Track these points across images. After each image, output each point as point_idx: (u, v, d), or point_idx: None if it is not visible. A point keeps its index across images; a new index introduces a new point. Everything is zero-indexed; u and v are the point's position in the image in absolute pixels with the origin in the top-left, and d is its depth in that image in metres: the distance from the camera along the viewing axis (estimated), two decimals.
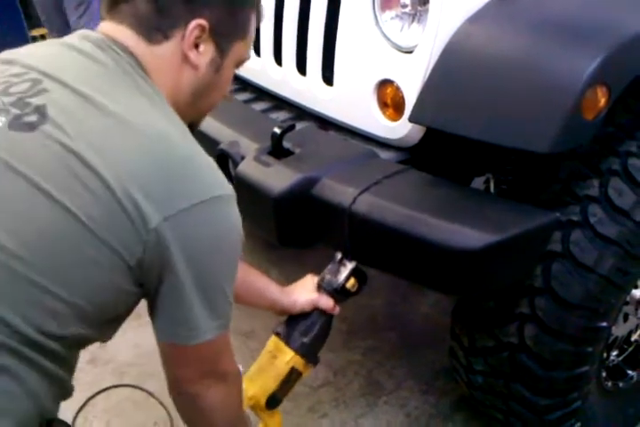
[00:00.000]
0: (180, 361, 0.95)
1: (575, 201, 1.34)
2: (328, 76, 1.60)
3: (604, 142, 1.38)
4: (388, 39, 1.43)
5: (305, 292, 1.36)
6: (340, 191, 1.34)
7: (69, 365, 0.92)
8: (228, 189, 0.87)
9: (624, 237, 1.31)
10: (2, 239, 0.77)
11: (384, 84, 1.46)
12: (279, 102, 1.79)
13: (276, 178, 1.37)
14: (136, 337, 1.98)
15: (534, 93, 1.22)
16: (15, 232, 0.77)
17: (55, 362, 0.86)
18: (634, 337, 1.70)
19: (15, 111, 0.82)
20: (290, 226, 1.42)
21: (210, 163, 0.88)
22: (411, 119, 1.38)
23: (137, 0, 0.90)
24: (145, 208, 0.79)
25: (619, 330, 1.60)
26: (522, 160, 1.51)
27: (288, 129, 1.43)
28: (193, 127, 0.99)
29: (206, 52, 0.94)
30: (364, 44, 1.47)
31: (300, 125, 1.59)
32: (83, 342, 0.92)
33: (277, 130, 1.42)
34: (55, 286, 0.79)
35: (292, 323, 1.37)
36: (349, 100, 1.55)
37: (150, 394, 1.93)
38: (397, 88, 1.44)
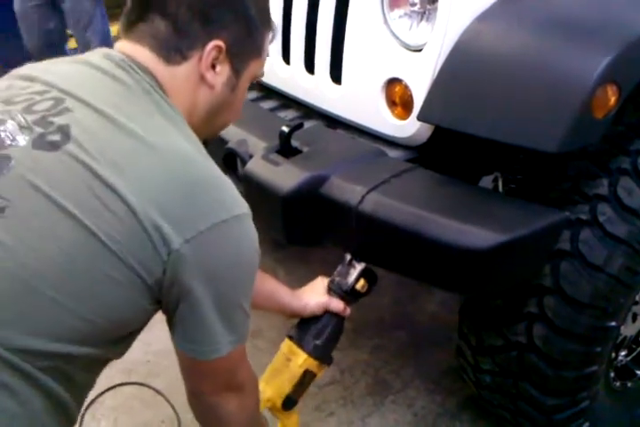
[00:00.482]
0: (198, 374, 0.97)
1: (584, 200, 1.33)
2: (336, 75, 1.59)
3: (613, 141, 1.37)
4: (397, 38, 1.43)
5: (315, 295, 1.37)
6: (347, 190, 1.34)
7: (78, 389, 0.90)
8: (244, 207, 0.88)
9: (633, 236, 1.30)
10: (25, 257, 0.77)
11: (392, 82, 1.46)
12: (287, 101, 1.79)
13: (285, 177, 1.37)
14: (145, 336, 1.97)
15: (544, 92, 1.21)
16: (38, 250, 0.78)
17: (63, 384, 0.85)
18: None
19: (39, 130, 0.82)
20: (298, 224, 1.42)
21: (226, 182, 0.88)
22: (419, 118, 1.38)
23: (155, 21, 0.91)
24: (166, 230, 0.80)
25: (627, 330, 1.60)
26: (530, 159, 1.50)
27: (296, 128, 1.43)
28: (206, 143, 1.00)
29: (222, 72, 0.96)
30: (373, 43, 1.47)
31: (308, 124, 1.59)
32: (95, 363, 0.91)
33: (285, 128, 1.42)
34: (76, 304, 0.80)
35: (304, 326, 1.38)
36: (357, 99, 1.55)
37: (158, 392, 1.93)
38: (406, 87, 1.43)
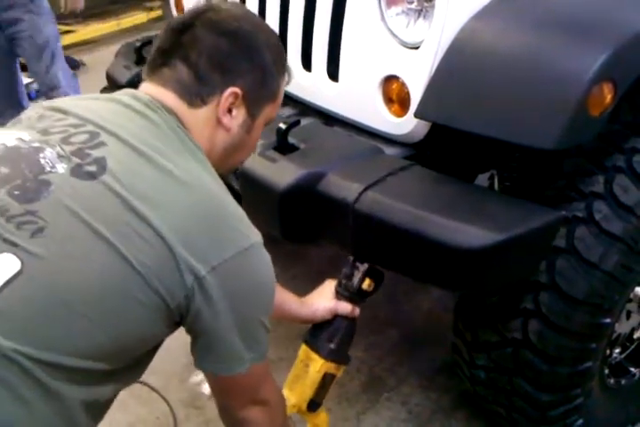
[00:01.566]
0: (224, 390, 1.03)
1: (580, 197, 1.34)
2: (333, 72, 1.60)
3: (609, 139, 1.38)
4: (394, 35, 1.43)
5: (323, 300, 1.39)
6: (344, 187, 1.34)
7: (93, 411, 0.91)
8: (258, 234, 0.95)
9: (629, 233, 1.32)
10: (61, 275, 0.81)
11: (389, 79, 1.47)
12: (284, 98, 1.78)
13: (282, 173, 1.38)
14: None
15: (540, 90, 1.22)
16: (73, 270, 0.82)
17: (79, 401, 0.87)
18: (636, 335, 1.71)
19: (76, 160, 0.87)
20: (294, 221, 1.42)
21: (242, 212, 0.95)
22: (416, 115, 1.39)
23: (179, 67, 0.98)
24: (193, 258, 0.85)
25: (622, 327, 1.61)
26: (526, 156, 1.51)
27: (293, 125, 1.44)
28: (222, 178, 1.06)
29: (238, 115, 1.02)
30: (370, 40, 1.47)
31: (304, 121, 1.59)
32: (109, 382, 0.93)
33: (282, 125, 1.42)
34: (104, 322, 0.84)
35: (317, 331, 1.40)
36: (354, 96, 1.55)
37: (153, 389, 1.94)
38: (403, 84, 1.44)
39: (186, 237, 0.86)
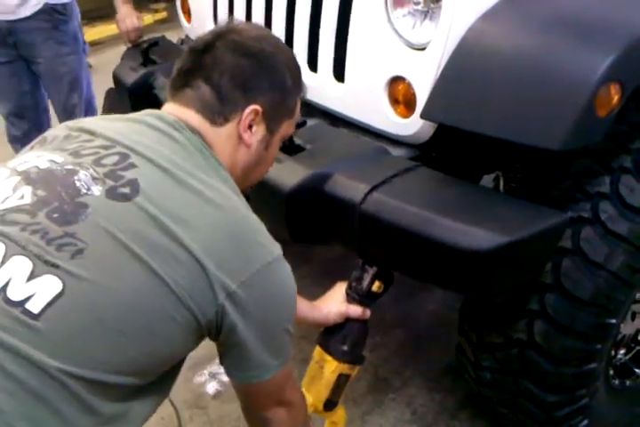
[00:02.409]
0: (250, 395, 1.08)
1: (586, 198, 1.34)
2: (339, 73, 1.60)
3: (615, 140, 1.38)
4: (401, 36, 1.44)
5: (334, 304, 1.41)
6: (350, 188, 1.34)
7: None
8: (279, 247, 0.98)
9: (634, 234, 1.31)
10: (99, 294, 0.83)
11: (395, 80, 1.47)
12: None
13: (288, 174, 1.38)
14: None
15: (547, 90, 1.22)
16: (111, 289, 0.84)
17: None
18: None
19: (110, 182, 0.90)
20: (301, 222, 1.42)
21: (263, 227, 0.99)
22: (422, 116, 1.39)
23: (202, 87, 1.02)
24: (223, 275, 0.89)
25: (627, 328, 1.61)
26: (532, 157, 1.51)
27: (299, 125, 1.45)
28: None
29: (258, 132, 1.06)
30: (376, 41, 1.48)
31: (310, 122, 1.60)
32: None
33: None
34: (139, 338, 0.86)
35: (330, 333, 1.42)
36: (360, 97, 1.56)
37: None
38: (409, 85, 1.44)
39: (216, 255, 0.89)
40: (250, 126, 1.04)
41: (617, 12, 1.28)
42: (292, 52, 1.14)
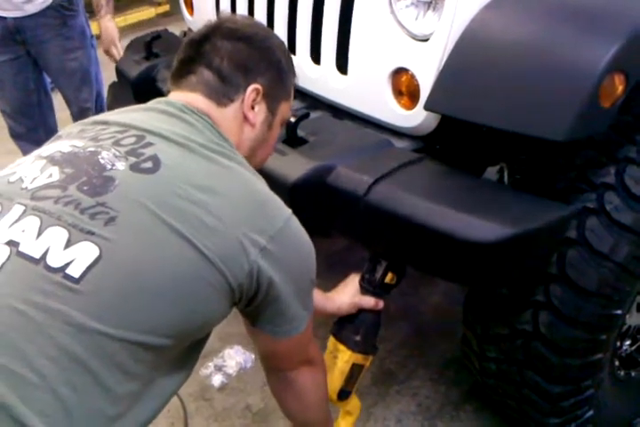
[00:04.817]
0: (279, 353, 1.13)
1: (591, 189, 1.34)
2: (342, 65, 1.60)
3: (620, 130, 1.38)
4: (404, 27, 1.43)
5: (347, 295, 1.44)
6: (354, 180, 1.34)
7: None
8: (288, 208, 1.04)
9: None
10: (136, 260, 0.87)
11: (399, 72, 1.46)
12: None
13: (292, 166, 1.38)
14: None
15: (551, 81, 1.21)
16: (147, 254, 0.87)
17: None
18: None
19: (133, 159, 0.94)
20: (305, 215, 1.41)
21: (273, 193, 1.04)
22: (426, 107, 1.39)
23: (204, 72, 1.08)
24: (253, 233, 0.93)
25: (632, 320, 1.60)
26: (537, 148, 1.51)
27: (302, 118, 1.44)
28: None
29: (260, 111, 1.12)
30: (379, 33, 1.47)
31: (314, 114, 1.59)
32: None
33: (292, 118, 1.42)
34: (178, 301, 0.89)
35: (343, 323, 1.44)
36: (364, 89, 1.55)
37: None
38: (412, 76, 1.44)
39: (244, 216, 0.94)
40: (252, 107, 1.09)
41: (621, 1, 1.28)
42: (281, 39, 1.20)
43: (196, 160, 0.96)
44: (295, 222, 1.02)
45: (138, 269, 0.86)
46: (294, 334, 1.07)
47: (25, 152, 2.67)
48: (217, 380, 2.01)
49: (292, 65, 1.19)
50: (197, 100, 1.07)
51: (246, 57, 1.09)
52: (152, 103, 1.09)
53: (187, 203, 0.90)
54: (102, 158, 0.93)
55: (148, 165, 0.93)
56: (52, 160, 0.95)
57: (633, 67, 1.24)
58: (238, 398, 1.95)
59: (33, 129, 2.63)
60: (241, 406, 1.93)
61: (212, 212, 0.91)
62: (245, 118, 1.09)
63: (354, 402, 1.51)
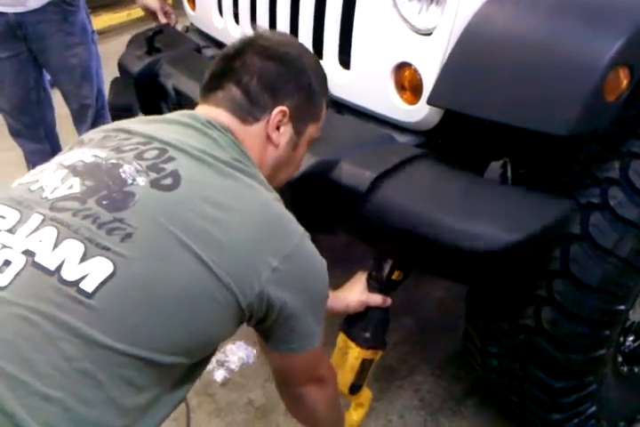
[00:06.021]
0: (290, 369, 1.13)
1: (595, 183, 1.33)
2: (345, 60, 1.59)
3: (625, 124, 1.37)
4: (407, 21, 1.42)
5: (354, 293, 1.45)
6: (356, 175, 1.34)
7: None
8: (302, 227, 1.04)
9: None
10: (149, 276, 0.87)
11: (402, 67, 1.46)
12: None
13: None
14: None
15: (555, 75, 1.21)
16: (159, 271, 0.88)
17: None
18: None
19: (153, 174, 0.94)
20: (307, 210, 1.41)
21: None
22: (429, 102, 1.38)
23: (232, 89, 1.08)
24: (266, 253, 0.94)
25: (635, 315, 1.60)
26: (541, 143, 1.50)
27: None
28: None
29: (285, 132, 1.11)
30: (382, 27, 1.46)
31: None
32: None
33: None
34: (186, 319, 0.89)
35: (352, 320, 1.45)
36: (366, 84, 1.54)
37: None
38: (415, 71, 1.43)
39: (258, 235, 0.94)
40: (278, 127, 1.09)
41: None
42: (317, 58, 1.20)
43: (215, 177, 0.96)
44: (307, 242, 1.01)
45: (149, 287, 0.86)
46: (308, 350, 1.07)
47: (25, 150, 2.67)
48: (219, 375, 2.02)
49: (325, 85, 1.17)
50: (222, 115, 1.07)
51: (276, 77, 1.08)
52: (176, 115, 1.09)
53: (202, 221, 0.90)
54: (124, 172, 0.93)
55: (168, 181, 0.93)
56: (73, 171, 0.95)
57: (638, 60, 1.23)
58: (240, 394, 1.96)
59: (32, 127, 2.61)
60: (243, 402, 1.93)
61: (226, 230, 0.91)
62: (269, 138, 1.09)
63: (365, 394, 1.53)
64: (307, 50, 1.19)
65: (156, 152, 0.97)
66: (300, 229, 1.01)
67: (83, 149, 1.01)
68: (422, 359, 2.05)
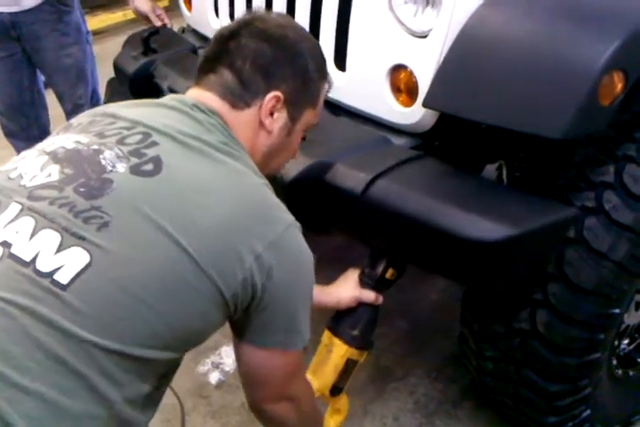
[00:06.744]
0: (261, 369, 1.05)
1: (590, 187, 1.33)
2: (340, 62, 1.59)
3: (619, 128, 1.37)
4: (402, 24, 1.42)
5: (346, 289, 1.42)
6: (352, 177, 1.33)
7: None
8: (292, 215, 1.02)
9: (639, 223, 1.30)
10: (125, 266, 0.85)
11: (397, 69, 1.45)
12: None
13: (289, 163, 1.36)
14: None
15: (550, 78, 1.21)
16: (137, 261, 0.86)
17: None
18: None
19: (135, 160, 0.92)
20: (302, 211, 1.41)
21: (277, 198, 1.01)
22: (424, 104, 1.38)
23: (224, 73, 1.04)
24: (250, 239, 0.91)
25: (630, 319, 1.60)
26: (536, 146, 1.50)
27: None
28: None
29: (279, 118, 1.07)
30: (378, 29, 1.46)
31: None
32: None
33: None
34: (165, 310, 0.87)
35: (341, 317, 1.42)
36: (362, 86, 1.54)
37: None
38: (411, 73, 1.43)
39: (242, 220, 0.91)
40: (271, 113, 1.05)
41: None
42: (317, 42, 1.15)
43: (199, 161, 0.94)
44: (296, 231, 0.99)
45: (126, 278, 0.84)
46: (285, 349, 1.02)
47: (18, 150, 2.66)
48: (214, 377, 2.01)
49: (324, 70, 1.13)
50: (211, 99, 1.04)
51: (270, 61, 1.04)
52: (165, 99, 1.06)
53: (183, 206, 0.89)
54: (104, 159, 0.92)
55: (149, 167, 0.91)
56: (54, 157, 0.94)
57: (632, 64, 1.23)
58: (235, 396, 1.95)
59: (26, 127, 2.60)
60: (238, 404, 1.93)
61: (207, 215, 0.89)
62: (262, 124, 1.06)
63: (344, 400, 1.49)
64: (305, 32, 1.14)
65: (139, 137, 0.95)
66: (290, 217, 0.98)
67: (67, 135, 1.00)
68: (418, 362, 2.05)
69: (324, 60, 1.14)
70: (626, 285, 1.36)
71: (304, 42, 1.09)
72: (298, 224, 0.99)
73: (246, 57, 1.03)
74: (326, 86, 1.15)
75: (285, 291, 0.97)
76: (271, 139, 1.08)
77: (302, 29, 1.15)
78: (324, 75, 1.13)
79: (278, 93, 1.04)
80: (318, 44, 1.14)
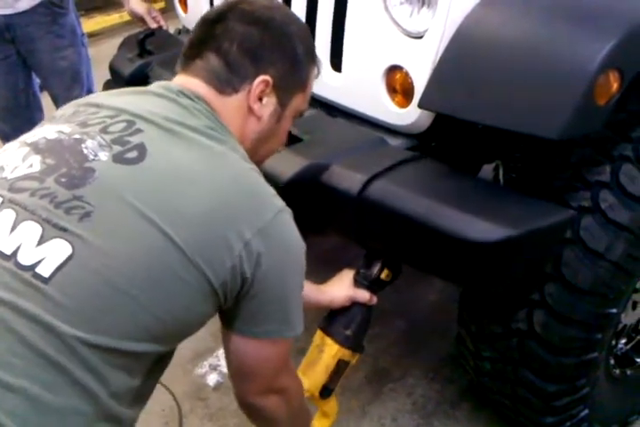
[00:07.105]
0: (248, 360, 1.02)
1: (586, 187, 1.33)
2: (336, 63, 1.59)
3: (616, 128, 1.37)
4: (398, 24, 1.42)
5: (340, 288, 1.41)
6: (348, 178, 1.33)
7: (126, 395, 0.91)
8: (282, 200, 0.99)
9: (635, 223, 1.31)
10: (108, 257, 0.83)
11: (393, 70, 1.45)
12: None
13: (284, 165, 1.37)
14: None
15: (546, 78, 1.21)
16: (120, 252, 0.84)
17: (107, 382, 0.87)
18: None
19: (118, 148, 0.90)
20: (298, 212, 1.41)
21: (268, 184, 0.99)
22: (420, 105, 1.38)
23: (210, 58, 1.01)
24: (238, 226, 0.89)
25: (628, 318, 1.60)
26: (532, 146, 1.50)
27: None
28: None
29: (269, 104, 1.04)
30: (373, 30, 1.46)
31: (308, 112, 1.58)
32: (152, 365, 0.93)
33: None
34: (151, 302, 0.85)
35: (334, 317, 1.41)
36: (358, 87, 1.54)
37: (159, 382, 1.94)
38: (406, 74, 1.43)
39: (229, 206, 0.89)
40: (260, 98, 1.03)
41: None
42: (305, 25, 1.12)
43: (185, 147, 0.92)
44: (286, 217, 0.96)
45: (109, 269, 0.82)
46: (274, 337, 1.00)
47: None
48: (212, 379, 2.01)
49: (313, 54, 1.10)
50: (197, 85, 1.01)
51: (257, 44, 1.01)
52: (151, 87, 1.04)
53: (167, 194, 0.87)
54: (86, 148, 0.90)
55: (133, 154, 0.89)
56: (35, 148, 0.92)
57: (628, 64, 1.23)
58: (233, 398, 1.90)
59: (21, 129, 2.59)
60: (235, 406, 1.88)
61: (193, 202, 0.87)
62: (250, 110, 1.03)
63: (333, 404, 1.46)
64: (293, 15, 1.11)
65: (122, 125, 0.93)
66: (280, 202, 0.96)
67: (50, 126, 0.98)
68: (415, 362, 2.05)
69: (312, 44, 1.11)
70: (623, 284, 1.36)
71: (292, 24, 1.06)
72: (288, 209, 0.97)
73: (233, 40, 1.00)
74: (315, 71, 1.11)
75: (274, 279, 0.94)
76: (261, 125, 1.05)
77: (290, 12, 1.11)
78: (313, 58, 1.10)
79: (267, 77, 1.01)
80: (306, 27, 1.11)
